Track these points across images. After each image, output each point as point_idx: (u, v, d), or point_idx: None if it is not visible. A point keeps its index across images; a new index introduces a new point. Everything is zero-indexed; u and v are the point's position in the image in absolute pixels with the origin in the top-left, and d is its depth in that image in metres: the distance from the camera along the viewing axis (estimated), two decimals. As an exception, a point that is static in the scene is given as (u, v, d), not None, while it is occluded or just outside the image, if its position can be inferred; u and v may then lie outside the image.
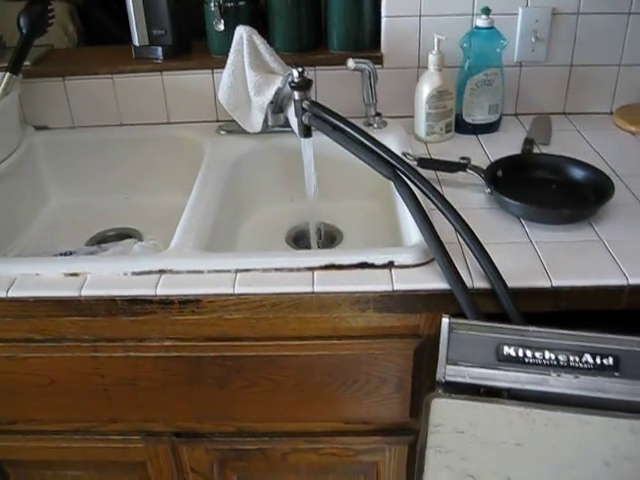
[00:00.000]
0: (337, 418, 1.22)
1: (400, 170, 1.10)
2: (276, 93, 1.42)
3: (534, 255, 1.11)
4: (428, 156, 1.44)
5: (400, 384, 1.15)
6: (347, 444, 1.26)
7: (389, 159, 1.10)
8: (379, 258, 1.08)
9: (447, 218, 1.08)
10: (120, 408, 1.22)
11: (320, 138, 1.25)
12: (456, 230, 1.07)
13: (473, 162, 1.34)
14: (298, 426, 1.24)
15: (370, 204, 1.54)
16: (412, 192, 1.07)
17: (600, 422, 0.86)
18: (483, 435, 0.84)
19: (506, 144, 1.50)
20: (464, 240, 1.07)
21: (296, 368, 1.14)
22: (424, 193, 1.10)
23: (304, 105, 1.25)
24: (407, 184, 1.08)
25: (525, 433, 0.84)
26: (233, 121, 1.54)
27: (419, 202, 1.06)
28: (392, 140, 1.48)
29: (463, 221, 1.06)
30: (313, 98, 1.28)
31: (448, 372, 0.92)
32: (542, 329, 0.93)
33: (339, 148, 1.16)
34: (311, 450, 1.26)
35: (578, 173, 1.31)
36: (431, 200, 1.09)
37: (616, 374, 0.90)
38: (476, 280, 1.05)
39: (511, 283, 1.03)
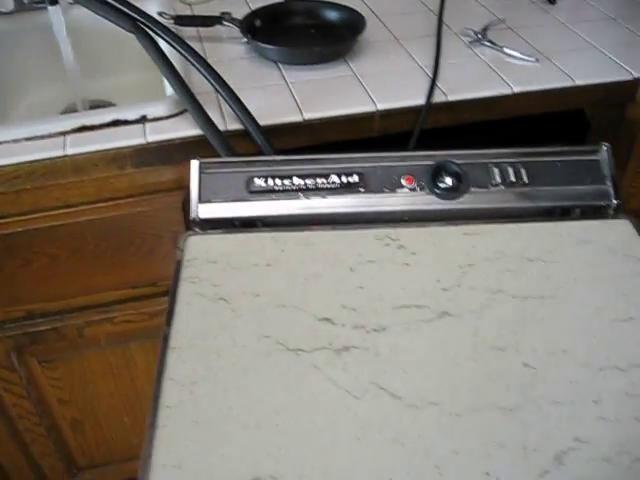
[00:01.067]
0: (124, 284, 1.22)
1: (143, 23, 1.07)
2: (22, -34, 1.35)
3: (289, 95, 1.13)
4: (191, 16, 1.42)
5: (176, 238, 1.16)
6: (140, 309, 1.26)
7: (129, 12, 1.07)
8: (131, 114, 1.07)
9: (193, 65, 1.07)
10: None
11: (80, 11, 1.19)
12: (202, 75, 1.06)
13: (234, 16, 1.33)
14: (87, 299, 1.23)
15: (145, 75, 1.50)
16: (155, 43, 1.04)
17: (347, 234, 0.90)
18: (236, 262, 0.86)
19: (271, -1, 1.49)
20: (212, 85, 1.06)
21: (68, 238, 1.13)
22: (169, 44, 1.08)
23: (44, -30, 1.19)
24: (149, 35, 1.05)
25: (276, 254, 0.87)
26: (-15, 4, 1.45)
27: (162, 51, 1.04)
28: (154, 4, 1.44)
29: (205, 63, 1.06)
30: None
31: (202, 210, 0.93)
32: (289, 157, 0.95)
33: (107, 22, 1.11)
34: (105, 321, 1.26)
35: (334, 15, 1.33)
36: (175, 48, 1.08)
37: (361, 190, 0.94)
38: (230, 123, 1.06)
39: (264, 121, 1.05)
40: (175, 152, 1.05)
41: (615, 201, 0.96)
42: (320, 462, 0.64)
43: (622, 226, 0.93)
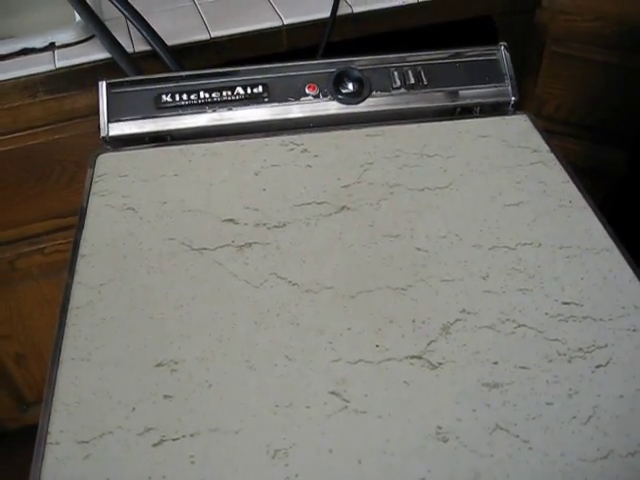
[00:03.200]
0: (51, 214, 1.23)
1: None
2: None
3: (197, 15, 1.14)
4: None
5: (93, 162, 1.18)
6: (69, 238, 1.26)
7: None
8: (40, 41, 1.08)
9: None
10: None
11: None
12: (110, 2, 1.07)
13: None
14: (16, 232, 1.24)
15: (54, 12, 1.49)
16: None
17: (253, 143, 0.93)
18: (144, 175, 0.88)
19: None
20: (116, 7, 1.07)
21: (-12, 169, 1.14)
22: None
23: None
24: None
25: (184, 165, 0.90)
26: None
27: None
28: None
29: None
30: None
31: (112, 129, 0.95)
32: (195, 72, 0.97)
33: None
34: (36, 252, 1.28)
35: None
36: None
37: (266, 99, 0.96)
38: (137, 45, 1.07)
39: (172, 41, 1.06)
40: (86, 77, 1.06)
41: (513, 98, 0.99)
42: (219, 346, 0.68)
43: (520, 121, 0.97)
